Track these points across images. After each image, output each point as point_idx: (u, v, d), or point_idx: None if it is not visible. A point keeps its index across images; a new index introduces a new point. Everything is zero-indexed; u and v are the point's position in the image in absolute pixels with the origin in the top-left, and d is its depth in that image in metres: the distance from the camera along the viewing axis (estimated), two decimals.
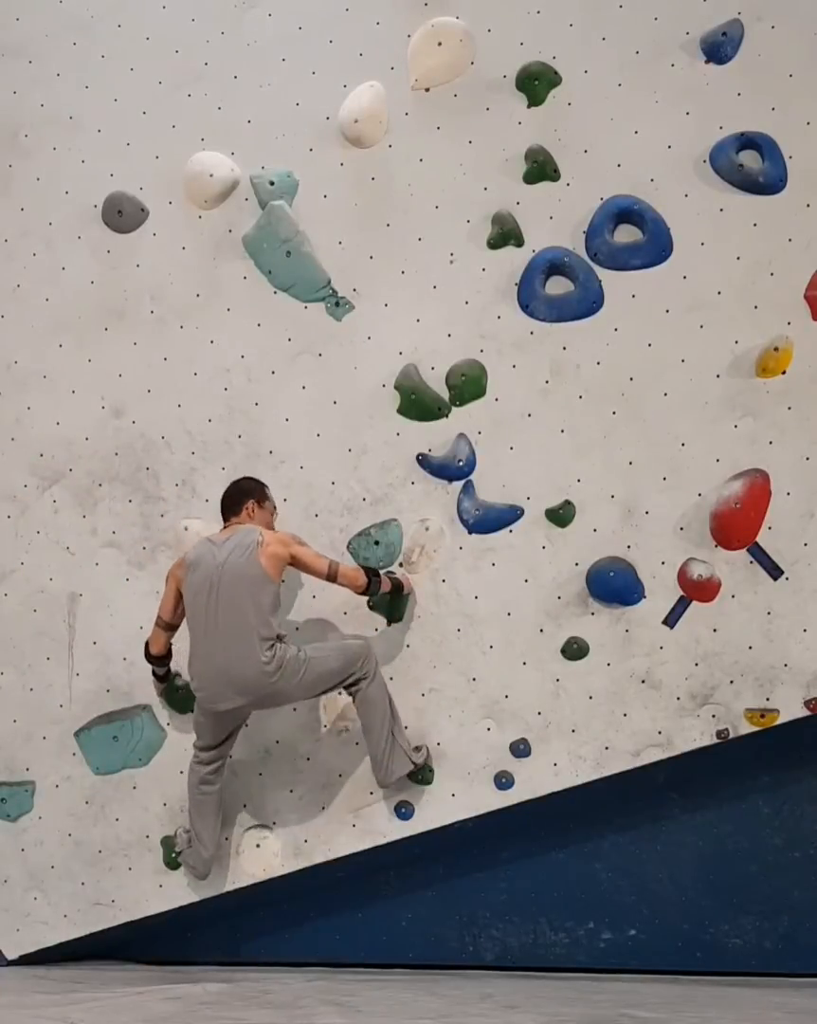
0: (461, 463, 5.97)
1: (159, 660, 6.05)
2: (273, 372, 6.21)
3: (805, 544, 5.74)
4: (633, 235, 5.91)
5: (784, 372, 5.77)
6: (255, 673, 5.56)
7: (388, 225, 6.12)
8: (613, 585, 5.86)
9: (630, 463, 5.88)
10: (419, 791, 5.95)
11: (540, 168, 5.98)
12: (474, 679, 5.94)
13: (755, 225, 5.80)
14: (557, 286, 5.96)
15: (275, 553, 5.63)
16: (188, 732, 6.14)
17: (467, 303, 6.03)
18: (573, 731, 5.87)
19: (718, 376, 5.83)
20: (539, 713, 5.91)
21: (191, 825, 5.95)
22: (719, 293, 5.83)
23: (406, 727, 5.91)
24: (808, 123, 5.77)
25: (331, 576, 5.69)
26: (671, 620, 5.81)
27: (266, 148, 6.23)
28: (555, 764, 5.87)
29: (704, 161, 5.83)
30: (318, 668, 5.68)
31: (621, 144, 5.91)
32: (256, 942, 6.30)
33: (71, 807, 6.29)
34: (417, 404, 6.02)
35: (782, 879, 5.95)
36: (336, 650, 5.80)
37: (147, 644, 6.03)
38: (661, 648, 5.83)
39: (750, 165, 5.80)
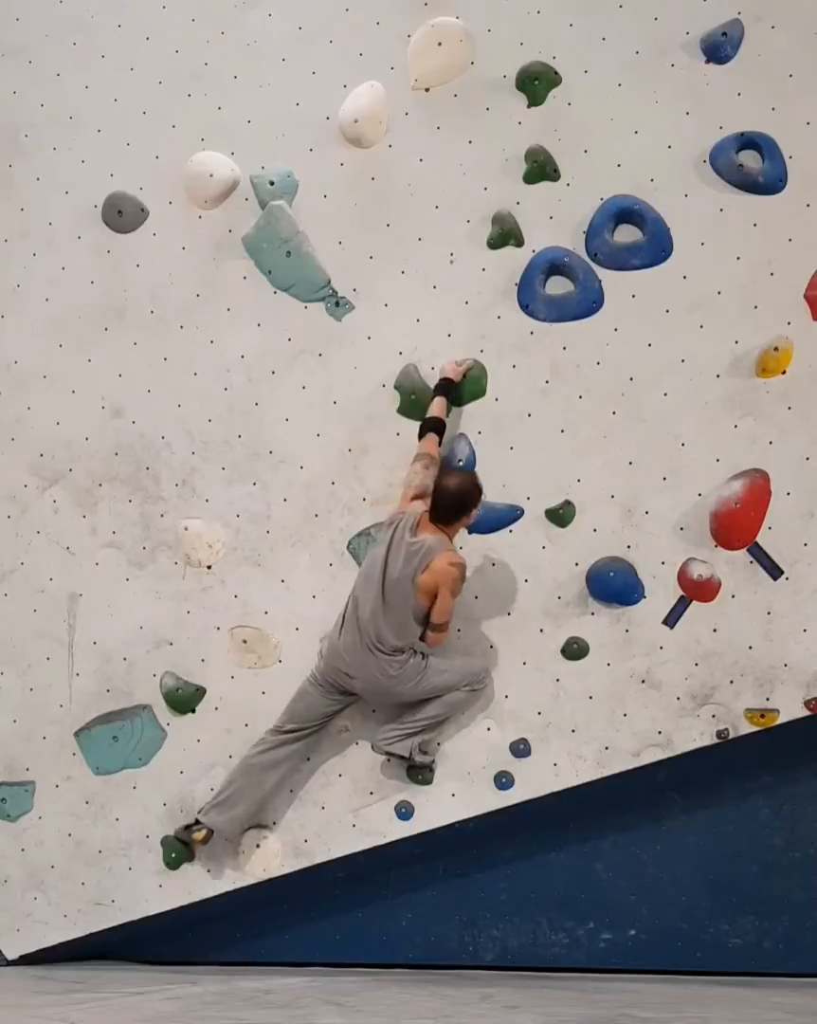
0: (461, 463, 5.97)
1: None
2: (273, 372, 6.21)
3: (805, 544, 5.74)
4: (633, 235, 5.91)
5: (784, 372, 5.78)
6: (378, 672, 5.69)
7: (388, 225, 6.12)
8: (613, 585, 5.86)
9: (630, 463, 5.88)
10: (419, 791, 5.95)
11: (540, 168, 5.98)
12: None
13: (755, 225, 5.80)
14: (557, 286, 5.96)
15: (425, 583, 5.64)
16: (188, 732, 6.15)
17: (467, 303, 6.03)
18: (573, 731, 5.87)
19: (718, 376, 5.83)
20: (539, 713, 5.91)
21: (231, 794, 5.92)
22: (719, 293, 5.83)
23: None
24: (808, 123, 5.77)
25: (436, 627, 5.75)
26: (671, 620, 5.82)
27: (266, 148, 6.23)
28: (555, 764, 5.87)
29: (704, 161, 5.83)
30: (434, 680, 5.78)
31: (621, 144, 5.91)
32: (256, 942, 6.30)
33: (71, 807, 6.29)
34: (417, 404, 6.01)
35: (782, 879, 5.96)
36: (458, 667, 5.84)
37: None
38: (661, 648, 5.83)
39: (750, 165, 5.81)
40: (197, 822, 5.95)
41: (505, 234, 6.00)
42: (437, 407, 5.87)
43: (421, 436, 5.88)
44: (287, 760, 5.93)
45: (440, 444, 5.86)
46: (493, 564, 5.95)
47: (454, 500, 5.68)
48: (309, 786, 6.07)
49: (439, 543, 5.67)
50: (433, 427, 5.85)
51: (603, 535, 5.89)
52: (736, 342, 5.81)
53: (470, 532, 5.94)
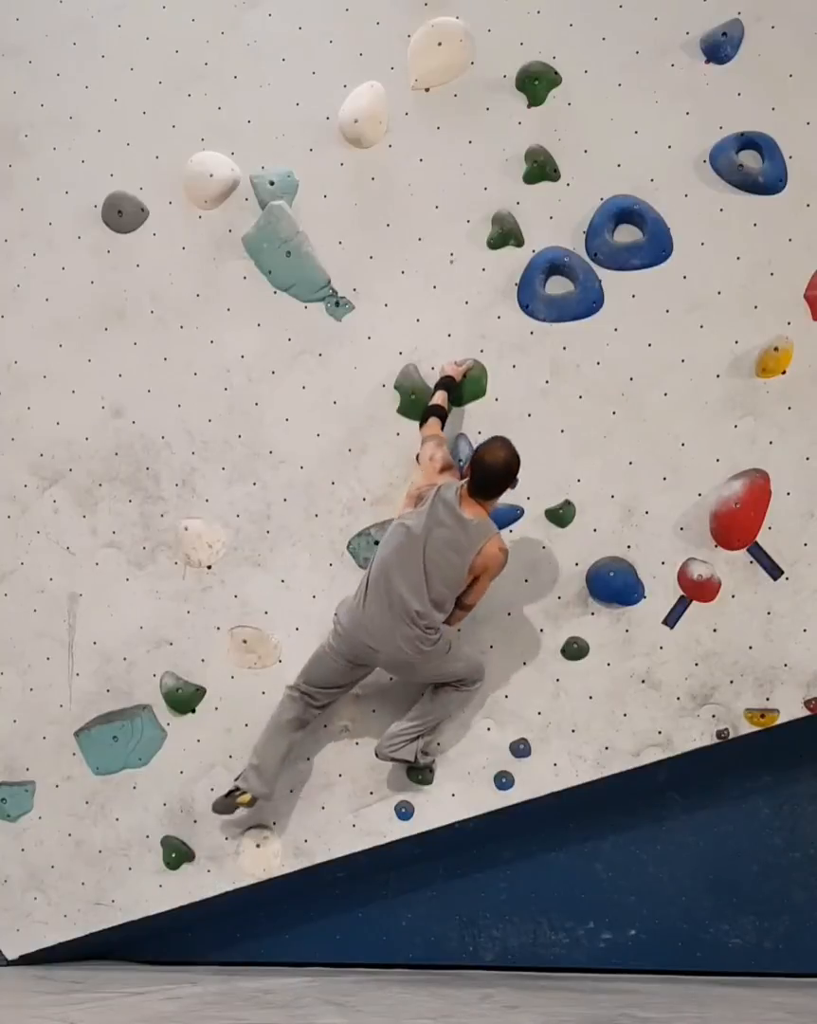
0: (461, 463, 5.97)
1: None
2: (273, 372, 6.21)
3: (805, 544, 5.75)
4: (633, 235, 5.91)
5: (784, 372, 5.78)
6: (408, 646, 5.61)
7: (388, 225, 6.12)
8: (613, 585, 5.86)
9: (630, 463, 5.88)
10: (419, 791, 5.96)
11: (540, 168, 5.98)
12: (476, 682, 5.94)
13: (755, 225, 5.80)
14: (557, 286, 5.96)
15: (476, 566, 5.59)
16: (188, 732, 6.15)
17: (467, 303, 6.03)
18: (573, 731, 5.87)
19: (718, 376, 5.83)
20: (539, 713, 5.91)
21: (258, 748, 5.89)
22: (719, 293, 5.83)
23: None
24: (808, 123, 5.77)
25: (465, 607, 5.74)
26: (671, 620, 5.82)
27: (266, 148, 6.22)
28: (555, 764, 5.88)
29: (704, 161, 5.83)
30: (452, 665, 5.76)
31: (621, 144, 5.91)
32: (256, 942, 6.30)
33: (71, 807, 6.29)
34: (417, 404, 6.01)
35: (782, 879, 5.97)
36: (467, 659, 5.83)
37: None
38: (661, 648, 5.83)
39: (750, 165, 5.81)
40: (237, 788, 5.89)
41: (505, 234, 6.00)
42: (438, 397, 5.87)
43: (422, 423, 5.87)
44: (306, 721, 5.88)
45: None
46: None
47: (502, 473, 5.57)
48: (309, 786, 6.07)
49: (490, 525, 5.61)
50: (434, 413, 5.85)
51: (603, 535, 5.89)
52: (736, 342, 5.81)
53: None
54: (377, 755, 5.84)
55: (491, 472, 5.57)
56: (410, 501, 5.75)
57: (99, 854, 6.24)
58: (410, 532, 5.60)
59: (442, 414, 5.87)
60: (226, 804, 5.93)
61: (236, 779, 5.91)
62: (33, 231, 6.45)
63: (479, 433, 5.97)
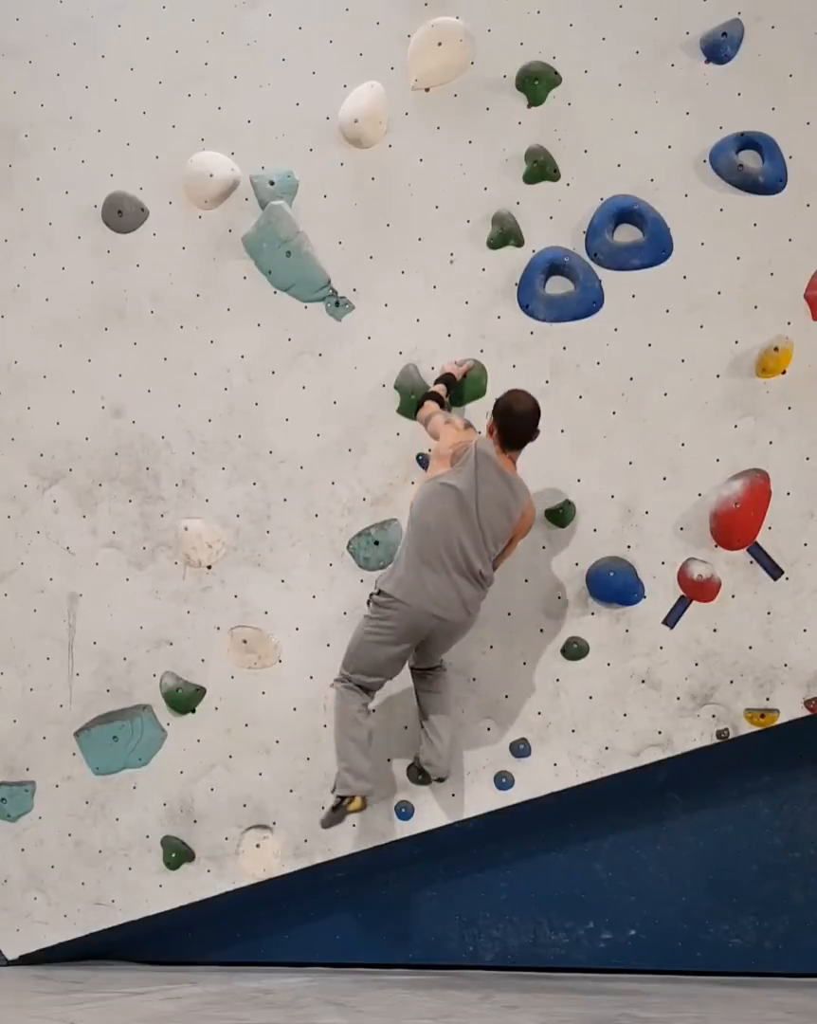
0: None
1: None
2: (273, 372, 6.21)
3: (805, 544, 5.75)
4: (633, 235, 5.92)
5: (784, 372, 5.78)
6: (472, 608, 5.58)
7: (388, 225, 6.12)
8: (613, 585, 5.86)
9: (630, 463, 5.88)
10: (419, 791, 5.95)
11: (540, 168, 5.98)
12: (474, 679, 5.95)
13: (755, 225, 5.80)
14: (557, 286, 5.96)
15: (519, 528, 5.60)
16: (188, 732, 6.15)
17: (467, 303, 6.03)
18: (573, 731, 5.87)
19: (718, 376, 5.83)
20: (539, 713, 5.91)
21: (339, 750, 5.68)
22: (719, 293, 5.83)
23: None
24: (808, 123, 5.77)
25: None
26: (671, 620, 5.82)
27: (266, 148, 6.23)
28: (555, 764, 5.88)
29: (704, 161, 5.84)
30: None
31: (621, 144, 5.91)
32: (256, 942, 6.30)
33: (71, 807, 6.29)
34: (417, 404, 6.01)
35: (782, 879, 5.96)
36: None
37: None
38: (661, 648, 5.83)
39: (750, 165, 5.81)
40: (342, 798, 5.65)
41: (505, 234, 6.00)
42: (438, 388, 5.84)
43: (418, 407, 5.81)
44: (369, 703, 5.75)
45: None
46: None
47: (532, 418, 5.54)
48: (309, 786, 6.07)
49: (522, 484, 5.59)
50: (432, 398, 5.79)
51: (603, 535, 5.89)
52: (736, 342, 5.81)
53: None
54: (437, 779, 5.80)
55: (522, 418, 5.52)
56: (442, 461, 5.57)
57: (99, 854, 6.24)
58: (459, 492, 5.48)
59: (440, 402, 5.82)
60: (337, 816, 5.70)
61: (333, 791, 5.68)
62: (33, 231, 6.45)
63: (479, 433, 5.96)
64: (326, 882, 6.14)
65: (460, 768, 5.93)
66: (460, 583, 5.52)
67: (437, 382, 5.90)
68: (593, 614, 5.90)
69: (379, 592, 5.60)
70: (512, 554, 5.69)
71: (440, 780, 5.83)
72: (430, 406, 5.78)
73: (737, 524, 5.78)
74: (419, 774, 5.90)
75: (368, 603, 5.65)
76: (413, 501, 5.63)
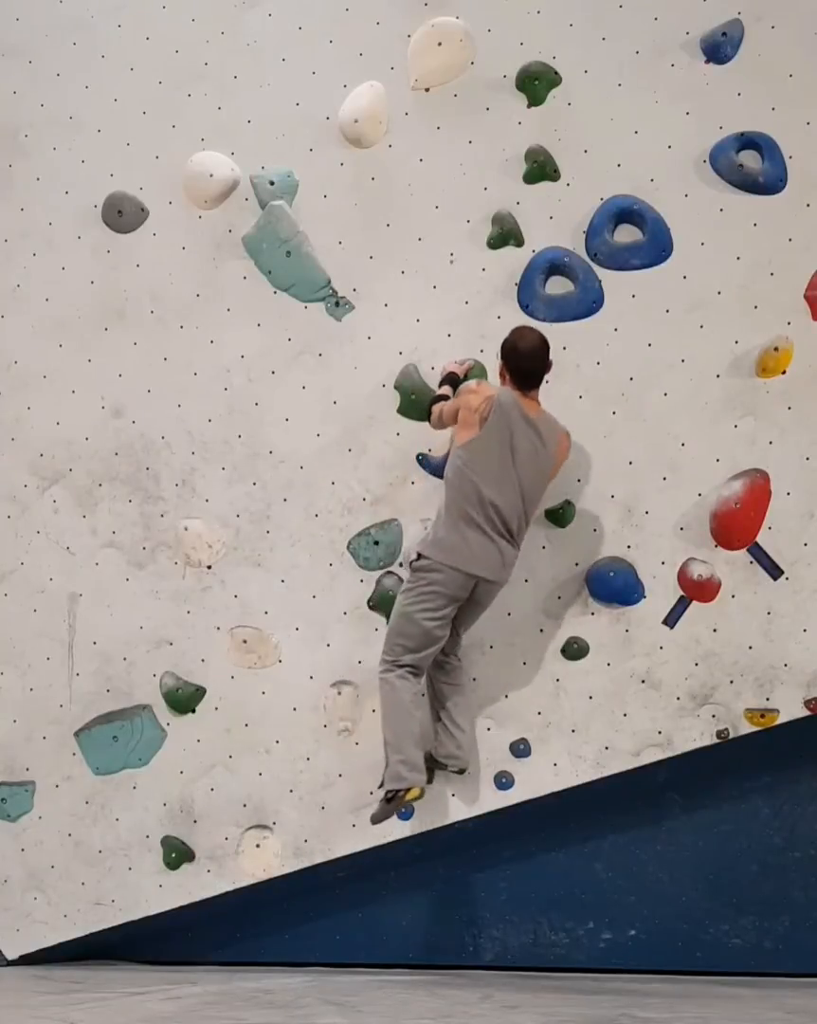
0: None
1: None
2: (273, 372, 6.21)
3: (805, 544, 5.75)
4: (633, 235, 5.91)
5: (784, 372, 5.78)
6: (510, 570, 5.62)
7: (388, 225, 6.12)
8: (613, 585, 5.86)
9: (630, 463, 5.88)
10: None
11: (540, 168, 5.98)
12: (474, 679, 5.94)
13: (755, 225, 5.80)
14: (557, 286, 5.96)
15: (560, 464, 5.64)
16: (188, 732, 6.15)
17: (467, 303, 6.03)
18: (573, 731, 5.87)
19: (718, 376, 5.83)
20: (539, 713, 5.91)
21: (397, 740, 5.61)
22: (719, 293, 5.83)
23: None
24: (808, 123, 5.77)
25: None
26: (671, 620, 5.82)
27: (266, 148, 6.22)
28: (555, 764, 5.88)
29: (704, 161, 5.84)
30: None
31: (621, 144, 5.91)
32: (256, 942, 6.30)
33: (71, 807, 6.29)
34: (417, 404, 6.01)
35: (782, 879, 5.96)
36: None
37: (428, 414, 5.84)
38: (661, 648, 5.83)
39: (750, 165, 5.81)
40: (396, 791, 5.60)
41: (505, 234, 6.00)
42: (444, 391, 5.83)
43: (428, 411, 5.80)
44: (421, 691, 5.75)
45: None
46: None
47: (542, 352, 5.55)
48: (309, 786, 6.07)
49: (553, 417, 5.60)
50: (440, 399, 5.77)
51: (603, 535, 5.89)
52: (736, 342, 5.81)
53: None
54: (459, 771, 5.80)
55: (531, 355, 5.54)
56: (470, 427, 5.53)
57: (99, 854, 6.24)
58: (494, 452, 5.48)
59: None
60: (392, 809, 5.66)
61: (382, 786, 5.64)
62: (33, 231, 6.45)
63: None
64: (326, 882, 6.14)
65: None
66: (500, 543, 5.54)
67: (442, 383, 5.89)
68: (593, 614, 5.89)
69: (419, 556, 5.58)
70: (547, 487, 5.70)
71: (461, 772, 5.81)
72: (438, 407, 5.79)
73: (737, 524, 5.78)
74: (431, 770, 5.88)
75: (409, 567, 5.64)
76: (448, 466, 5.62)
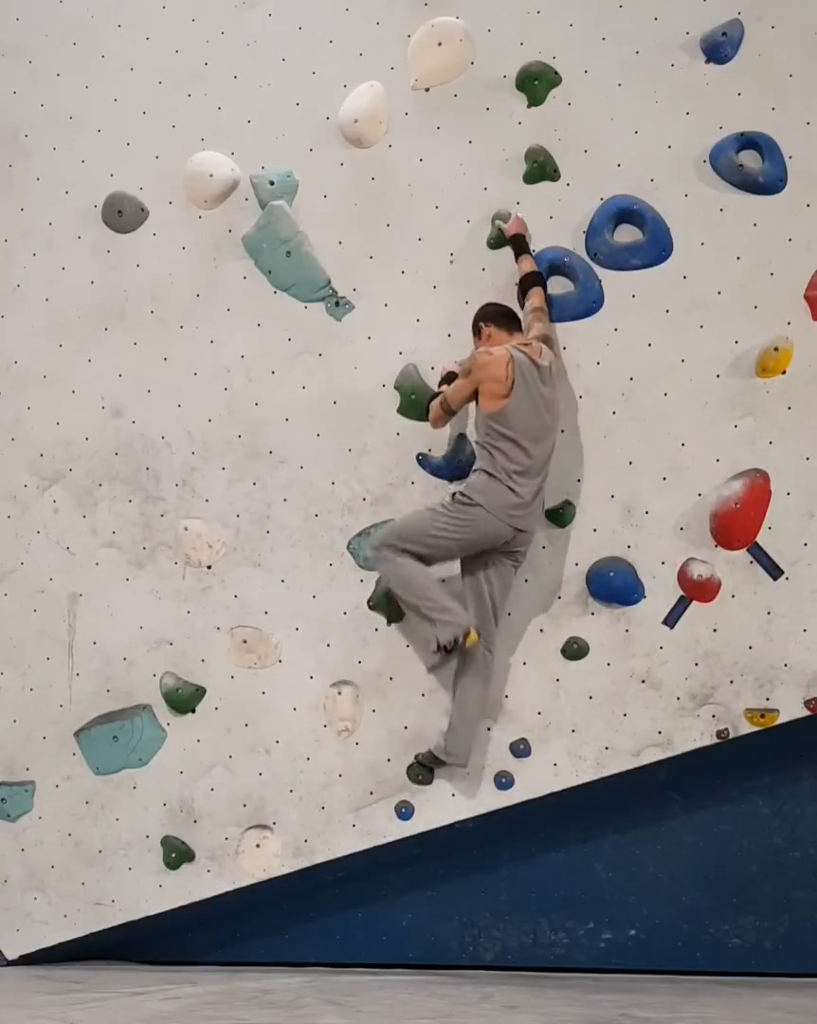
0: (461, 463, 5.96)
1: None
2: (273, 372, 6.21)
3: (805, 544, 5.74)
4: (633, 235, 5.91)
5: (784, 372, 5.78)
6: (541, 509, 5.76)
7: (388, 225, 6.12)
8: (613, 585, 5.86)
9: (630, 463, 5.88)
10: (419, 791, 5.95)
11: (540, 168, 5.98)
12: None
13: (755, 225, 5.80)
14: (557, 286, 5.96)
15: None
16: (188, 732, 6.15)
17: (467, 303, 6.02)
18: (573, 731, 5.87)
19: (718, 376, 5.83)
20: (539, 713, 5.91)
21: (425, 606, 5.65)
22: (719, 293, 5.83)
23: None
24: (808, 123, 5.77)
25: None
26: (671, 620, 5.82)
27: (266, 148, 6.23)
28: (555, 764, 5.87)
29: (704, 161, 5.84)
30: None
31: (621, 144, 5.91)
32: (256, 942, 6.30)
33: (71, 807, 6.29)
34: (417, 404, 6.01)
35: (782, 879, 5.96)
36: None
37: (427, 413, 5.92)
38: (661, 648, 5.83)
39: (750, 165, 5.80)
40: (446, 646, 5.60)
41: (505, 234, 5.99)
42: (443, 389, 5.84)
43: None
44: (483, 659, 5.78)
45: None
46: None
47: (507, 306, 5.81)
48: (309, 786, 6.07)
49: (541, 345, 5.70)
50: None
51: (603, 535, 5.89)
52: (736, 342, 5.81)
53: None
54: (456, 764, 5.82)
55: (500, 306, 5.80)
56: (495, 396, 5.60)
57: (99, 854, 6.24)
58: (529, 409, 5.60)
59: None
60: (450, 656, 5.70)
61: (435, 647, 5.61)
62: (33, 231, 6.46)
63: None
64: (326, 882, 6.14)
65: (460, 768, 5.92)
66: (540, 494, 5.70)
67: (441, 383, 5.90)
68: (593, 614, 5.89)
69: (467, 497, 5.63)
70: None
71: (460, 766, 5.82)
72: (535, 298, 5.85)
73: (737, 524, 5.78)
74: (425, 769, 5.87)
75: (451, 498, 5.69)
76: (482, 432, 5.67)
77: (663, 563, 5.83)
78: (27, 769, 6.35)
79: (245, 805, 6.12)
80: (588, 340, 5.91)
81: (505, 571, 5.76)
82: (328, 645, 6.07)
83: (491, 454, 5.63)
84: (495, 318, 5.80)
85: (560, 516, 5.91)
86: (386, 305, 6.11)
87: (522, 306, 5.89)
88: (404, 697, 5.98)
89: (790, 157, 5.77)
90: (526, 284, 5.87)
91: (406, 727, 5.98)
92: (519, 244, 5.89)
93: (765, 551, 5.76)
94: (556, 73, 5.97)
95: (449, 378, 5.88)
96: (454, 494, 5.70)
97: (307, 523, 6.14)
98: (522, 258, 5.88)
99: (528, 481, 5.63)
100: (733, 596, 5.78)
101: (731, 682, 5.77)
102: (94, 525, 6.36)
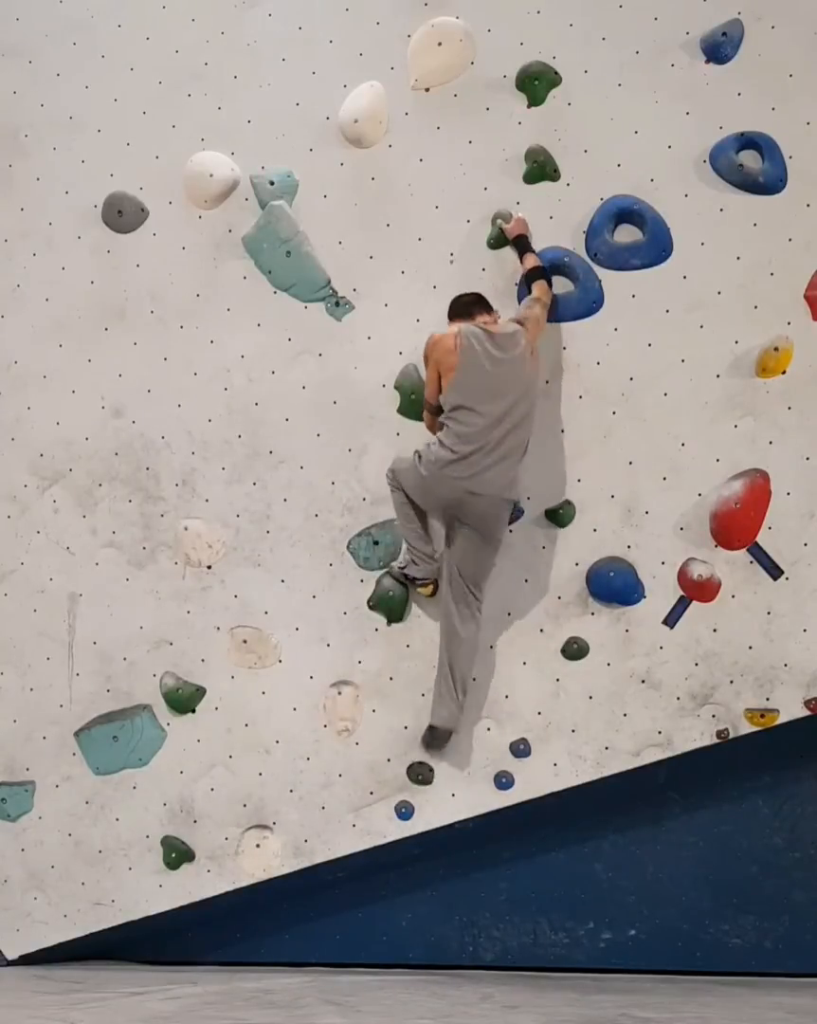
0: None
1: None
2: (273, 372, 6.21)
3: (805, 544, 5.75)
4: (633, 235, 5.92)
5: (784, 372, 5.78)
6: (513, 486, 5.73)
7: (388, 225, 6.12)
8: (613, 585, 5.86)
9: (630, 463, 5.88)
10: (419, 791, 5.96)
11: (540, 168, 5.98)
12: (474, 679, 5.94)
13: (755, 225, 5.80)
14: (557, 286, 5.95)
15: (533, 357, 5.69)
16: (188, 732, 6.16)
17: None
18: (573, 731, 5.87)
19: (718, 376, 5.83)
20: (539, 713, 5.91)
21: (404, 536, 5.93)
22: (719, 293, 5.83)
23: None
24: (808, 123, 5.77)
25: None
26: (671, 620, 5.82)
27: (266, 148, 6.23)
28: (555, 764, 5.88)
29: (704, 161, 5.84)
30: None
31: (621, 144, 5.91)
32: (256, 942, 6.30)
33: (71, 807, 6.29)
34: (417, 404, 6.01)
35: (782, 879, 5.97)
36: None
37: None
38: (661, 648, 5.83)
39: (750, 165, 5.81)
40: (414, 578, 5.91)
41: (505, 234, 5.99)
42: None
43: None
44: (466, 608, 5.83)
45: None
46: (494, 564, 5.95)
47: (474, 294, 5.83)
48: (309, 786, 6.07)
49: (514, 327, 5.68)
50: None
51: (603, 535, 5.89)
52: (736, 342, 5.81)
53: None
54: (453, 731, 5.87)
55: (462, 296, 5.83)
56: (449, 368, 5.66)
57: (99, 854, 6.25)
58: (475, 374, 5.61)
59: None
60: (407, 592, 5.97)
61: (402, 568, 5.93)
62: (33, 231, 6.45)
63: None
64: (326, 882, 6.14)
65: (460, 768, 5.93)
66: (502, 462, 5.65)
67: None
68: (593, 614, 5.90)
69: (417, 452, 5.76)
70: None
71: (449, 735, 5.85)
72: (539, 290, 5.85)
73: (737, 524, 5.78)
74: (419, 773, 5.89)
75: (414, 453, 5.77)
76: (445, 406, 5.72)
77: (663, 563, 5.84)
78: (27, 769, 6.35)
79: (245, 805, 6.13)
80: (588, 340, 5.91)
81: (473, 543, 5.75)
82: (328, 645, 6.07)
83: (446, 425, 5.67)
84: (455, 311, 5.82)
85: (560, 516, 5.91)
86: (386, 305, 6.11)
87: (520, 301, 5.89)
88: (404, 697, 5.98)
89: (790, 157, 5.77)
90: (531, 278, 5.85)
91: (406, 727, 5.98)
92: (522, 244, 5.89)
93: (765, 551, 5.76)
94: (556, 73, 5.97)
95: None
96: (416, 450, 5.79)
97: (307, 523, 6.14)
98: (526, 256, 5.88)
99: (475, 441, 5.57)
100: (733, 596, 5.78)
101: (731, 682, 5.78)
102: (94, 525, 6.36)
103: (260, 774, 6.12)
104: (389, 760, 5.98)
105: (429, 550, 5.90)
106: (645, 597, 5.85)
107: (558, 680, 5.91)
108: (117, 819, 6.24)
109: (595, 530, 5.90)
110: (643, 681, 5.84)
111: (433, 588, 5.92)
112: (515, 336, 5.64)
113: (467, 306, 5.80)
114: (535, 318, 5.74)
